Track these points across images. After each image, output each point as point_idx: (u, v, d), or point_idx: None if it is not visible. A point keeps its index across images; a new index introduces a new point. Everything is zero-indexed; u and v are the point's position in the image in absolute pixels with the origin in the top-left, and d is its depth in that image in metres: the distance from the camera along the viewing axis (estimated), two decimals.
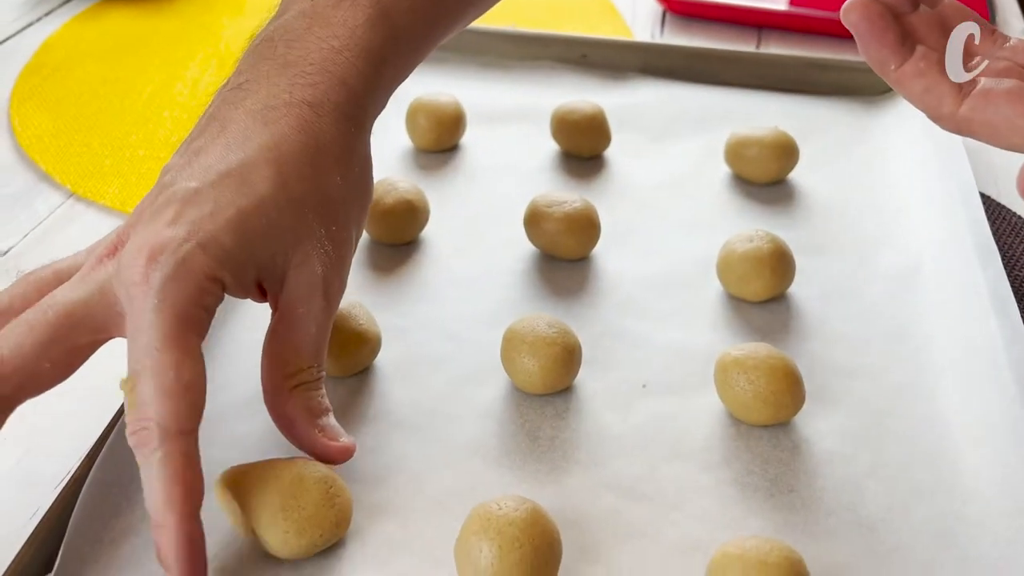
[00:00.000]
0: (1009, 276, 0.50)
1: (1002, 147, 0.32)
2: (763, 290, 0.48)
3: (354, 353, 0.43)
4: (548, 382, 0.43)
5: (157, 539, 0.33)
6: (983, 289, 0.47)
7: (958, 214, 0.52)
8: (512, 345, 0.43)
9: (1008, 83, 0.32)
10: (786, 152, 0.57)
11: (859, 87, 0.66)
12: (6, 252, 0.54)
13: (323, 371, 0.38)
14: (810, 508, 0.39)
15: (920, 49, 0.33)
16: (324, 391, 0.38)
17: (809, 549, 0.37)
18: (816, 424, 0.42)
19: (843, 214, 0.56)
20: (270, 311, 0.39)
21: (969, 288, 0.48)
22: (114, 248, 0.36)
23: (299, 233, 0.37)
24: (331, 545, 0.37)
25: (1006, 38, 0.35)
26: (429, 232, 0.54)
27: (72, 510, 0.37)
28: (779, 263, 0.48)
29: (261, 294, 0.38)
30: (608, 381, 0.45)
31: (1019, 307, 0.46)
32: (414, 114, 0.60)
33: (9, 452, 0.42)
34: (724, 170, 0.59)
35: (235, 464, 0.38)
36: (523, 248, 0.53)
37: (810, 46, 0.74)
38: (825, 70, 0.67)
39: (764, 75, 0.68)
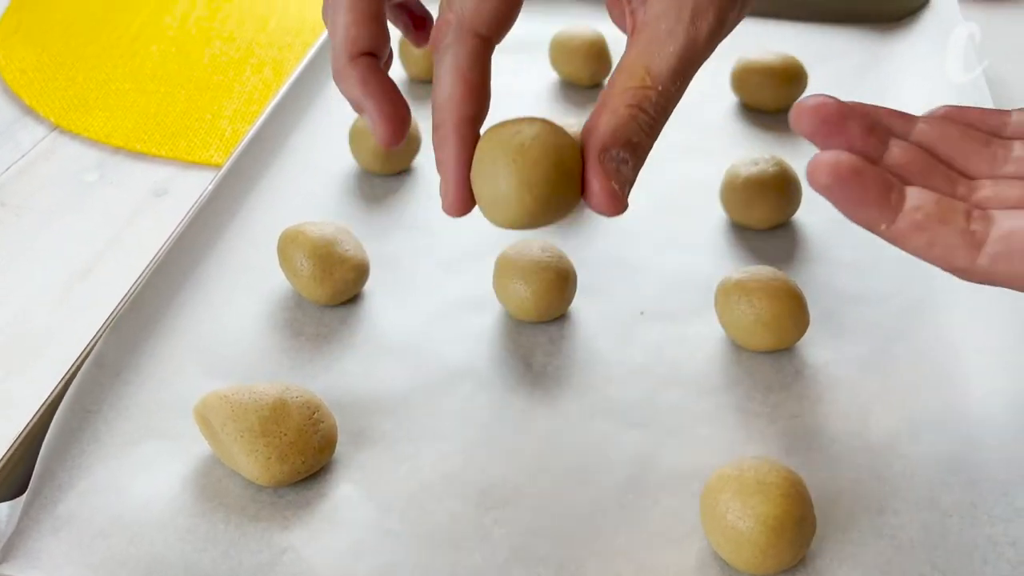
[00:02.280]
0: None
1: None
2: (768, 216, 0.46)
3: (340, 280, 0.42)
4: (541, 309, 0.41)
5: (434, 138, 0.31)
6: None
7: None
8: (504, 271, 0.42)
9: None
10: (793, 78, 0.55)
11: (872, 14, 0.64)
12: None
13: (663, 113, 0.30)
14: (813, 434, 0.37)
15: (912, 195, 0.27)
16: (648, 136, 0.30)
17: (812, 475, 0.35)
18: (821, 350, 0.41)
19: None
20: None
21: None
22: None
23: None
24: (315, 472, 0.36)
25: (1004, 116, 0.30)
26: (421, 161, 0.52)
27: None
28: (785, 187, 0.46)
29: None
30: (604, 308, 0.43)
31: None
32: (405, 40, 0.58)
33: None
34: (731, 99, 0.57)
35: (217, 389, 0.36)
36: None
37: None
38: None
39: (775, 3, 0.65)
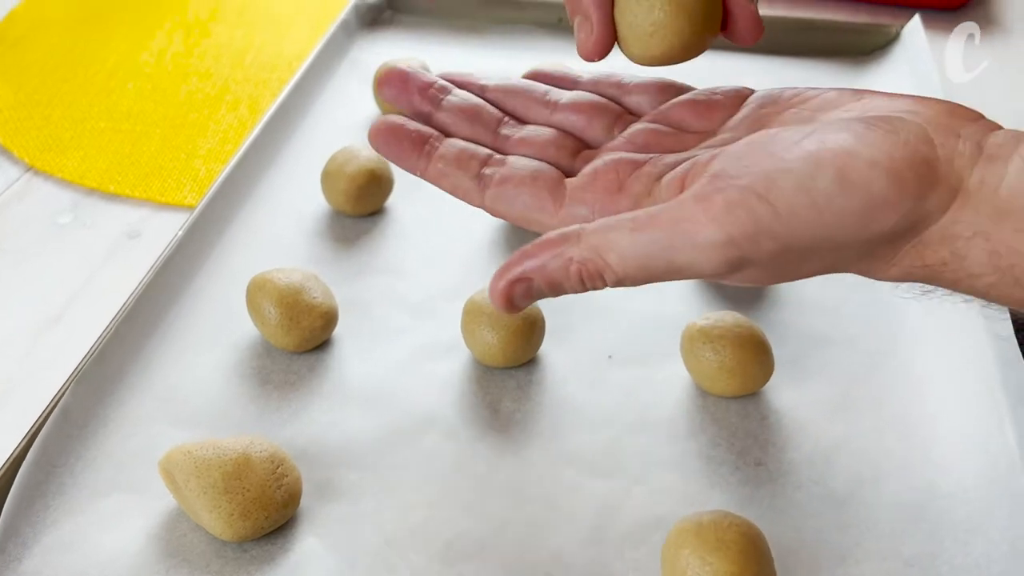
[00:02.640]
0: None
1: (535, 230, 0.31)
2: None
3: (308, 328, 0.42)
4: (509, 355, 0.41)
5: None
6: None
7: None
8: (472, 317, 0.42)
9: (521, 173, 0.31)
10: None
11: (844, 48, 0.64)
12: None
13: None
14: (777, 482, 0.37)
15: (443, 146, 0.32)
16: None
17: (774, 524, 0.35)
18: (787, 394, 0.41)
19: None
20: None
21: None
22: None
23: None
24: (280, 525, 0.36)
25: (574, 80, 0.34)
26: (393, 202, 0.53)
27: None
28: None
29: None
30: (573, 352, 0.44)
31: None
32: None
33: None
34: None
35: (181, 444, 0.36)
36: (490, 218, 0.51)
37: (796, 5, 0.72)
38: (809, 31, 0.65)
39: None
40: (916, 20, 0.63)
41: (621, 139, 0.32)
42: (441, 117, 0.33)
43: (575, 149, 0.33)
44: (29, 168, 0.57)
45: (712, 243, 0.26)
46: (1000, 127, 0.28)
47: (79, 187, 0.55)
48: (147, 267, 0.47)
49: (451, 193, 0.32)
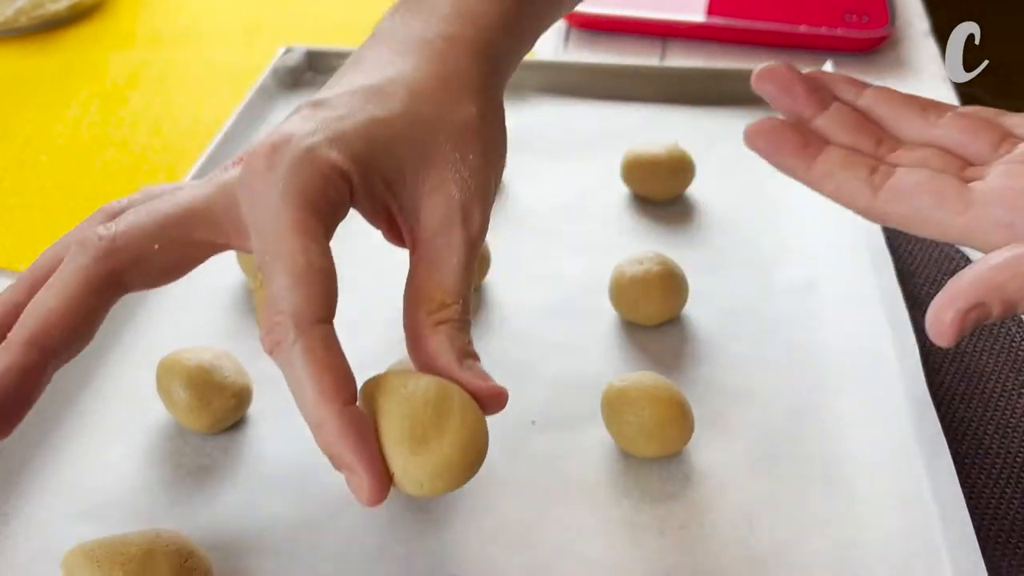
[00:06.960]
0: (908, 284, 0.49)
1: (917, 234, 0.31)
2: (656, 313, 0.46)
3: (220, 408, 0.41)
4: None
5: (322, 439, 0.30)
6: (876, 300, 0.46)
7: (856, 225, 0.51)
8: None
9: (918, 176, 0.31)
10: (681, 168, 0.55)
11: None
12: None
13: (468, 315, 0.33)
14: (700, 545, 0.37)
15: (828, 150, 0.33)
16: (470, 337, 0.33)
17: None
18: (709, 453, 0.41)
19: (742, 229, 0.54)
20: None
21: (863, 300, 0.47)
22: (240, 159, 0.34)
23: (429, 153, 0.34)
24: None
25: (941, 110, 0.34)
26: None
27: None
28: (669, 285, 0.46)
29: (390, 223, 0.34)
30: (496, 418, 0.42)
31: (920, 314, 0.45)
32: None
33: None
34: (622, 189, 0.58)
35: (85, 540, 0.35)
36: None
37: (715, 55, 0.74)
38: (727, 80, 0.66)
39: (667, 89, 0.66)
40: (828, 66, 0.65)
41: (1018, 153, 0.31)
42: (820, 123, 0.34)
43: (961, 165, 0.32)
44: None
45: None
46: None
47: None
48: None
49: (832, 196, 0.32)
